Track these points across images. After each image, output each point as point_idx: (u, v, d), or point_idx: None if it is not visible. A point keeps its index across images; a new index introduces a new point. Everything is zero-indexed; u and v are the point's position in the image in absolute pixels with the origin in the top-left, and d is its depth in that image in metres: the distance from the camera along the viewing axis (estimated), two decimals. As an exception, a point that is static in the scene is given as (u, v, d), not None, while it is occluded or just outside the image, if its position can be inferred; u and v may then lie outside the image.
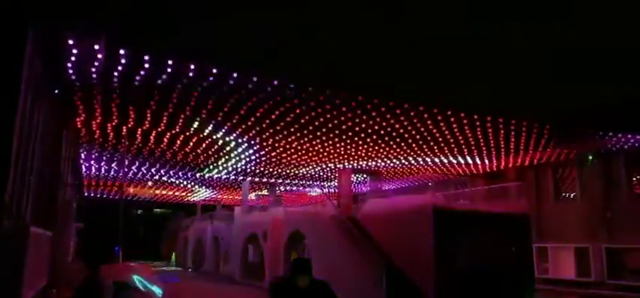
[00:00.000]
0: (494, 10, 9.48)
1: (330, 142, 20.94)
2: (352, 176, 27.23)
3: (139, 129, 18.61)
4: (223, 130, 18.81)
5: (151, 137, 19.80)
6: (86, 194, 38.62)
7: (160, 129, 18.63)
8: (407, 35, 10.69)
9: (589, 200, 23.80)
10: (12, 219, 8.86)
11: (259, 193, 35.06)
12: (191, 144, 21.24)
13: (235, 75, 12.85)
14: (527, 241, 16.85)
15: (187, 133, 19.30)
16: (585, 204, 23.95)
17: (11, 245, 8.44)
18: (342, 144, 21.23)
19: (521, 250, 15.93)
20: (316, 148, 22.13)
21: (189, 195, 40.24)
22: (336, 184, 29.91)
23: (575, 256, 23.76)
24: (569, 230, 24.29)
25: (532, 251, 18.13)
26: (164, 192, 39.14)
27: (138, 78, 12.79)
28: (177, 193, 39.41)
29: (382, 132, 19.13)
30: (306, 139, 20.38)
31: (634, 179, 23.19)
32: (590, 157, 23.53)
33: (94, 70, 11.47)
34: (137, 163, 25.88)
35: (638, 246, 21.19)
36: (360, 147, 22.11)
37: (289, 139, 20.39)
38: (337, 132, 19.05)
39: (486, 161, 25.58)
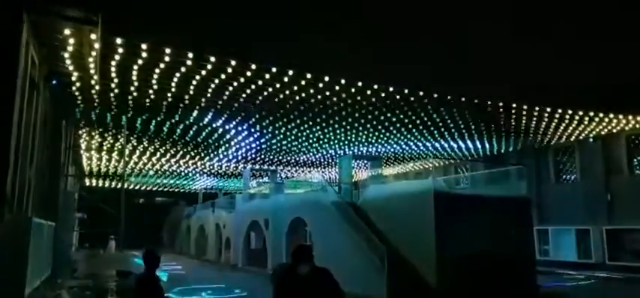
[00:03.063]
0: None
1: (331, 128, 20.92)
2: (353, 162, 27.23)
3: (139, 118, 18.58)
4: (223, 118, 18.77)
5: (151, 126, 19.78)
6: (88, 183, 38.74)
7: (159, 119, 18.60)
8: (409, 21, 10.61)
9: (589, 182, 23.83)
10: (14, 211, 8.88)
11: (260, 180, 35.11)
12: (191, 132, 21.23)
13: (233, 63, 12.78)
14: (528, 224, 16.88)
15: (187, 122, 19.27)
16: (586, 186, 23.98)
17: (14, 237, 8.48)
18: (343, 129, 21.21)
19: (522, 233, 15.96)
20: (317, 134, 22.12)
21: (190, 183, 40.34)
22: (337, 170, 29.94)
23: (576, 238, 23.87)
24: (569, 212, 24.36)
25: (533, 234, 18.17)
26: (165, 181, 39.23)
27: (135, 67, 12.72)
28: (178, 182, 39.50)
29: (382, 117, 19.09)
30: (306, 125, 20.35)
31: (634, 160, 23.18)
32: (591, 138, 23.51)
33: (91, 59, 11.38)
34: (138, 152, 25.89)
35: (638, 228, 21.26)
36: (361, 133, 22.09)
37: (290, 125, 20.36)
38: (337, 118, 19.01)
39: (487, 144, 25.56)
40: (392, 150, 26.56)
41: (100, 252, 27.85)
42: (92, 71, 11.93)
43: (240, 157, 27.96)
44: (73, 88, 13.49)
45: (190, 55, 12.23)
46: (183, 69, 13.07)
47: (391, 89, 15.46)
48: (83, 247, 35.18)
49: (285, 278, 4.40)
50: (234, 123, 19.50)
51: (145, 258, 4.93)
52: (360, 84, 14.88)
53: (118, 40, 11.20)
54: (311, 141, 23.64)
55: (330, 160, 29.95)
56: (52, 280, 13.91)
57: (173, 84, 14.35)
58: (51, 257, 14.01)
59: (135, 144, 23.52)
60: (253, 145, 24.57)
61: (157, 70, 13.10)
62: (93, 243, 33.83)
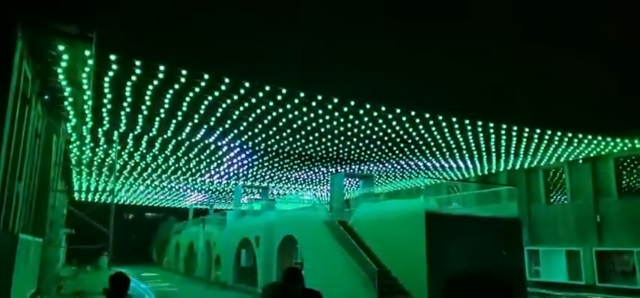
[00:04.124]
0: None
1: (323, 146, 20.96)
2: (345, 180, 27.22)
3: (131, 134, 18.49)
4: (215, 135, 18.75)
5: (142, 141, 19.68)
6: (77, 198, 38.23)
7: (151, 134, 18.53)
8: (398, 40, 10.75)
9: (579, 203, 24.02)
10: (0, 227, 8.74)
11: (252, 197, 34.92)
12: (183, 148, 21.15)
13: (227, 80, 12.83)
14: (519, 245, 16.94)
15: (179, 138, 19.21)
16: (576, 207, 24.16)
17: (-1, 254, 8.34)
18: (335, 147, 21.26)
19: (513, 254, 16.01)
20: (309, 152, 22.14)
21: (181, 199, 39.99)
22: (328, 188, 29.88)
23: (567, 259, 23.96)
24: (560, 233, 24.49)
25: (523, 254, 18.23)
26: (156, 197, 38.87)
27: (129, 83, 12.73)
28: (169, 198, 39.15)
29: (374, 136, 19.19)
30: (299, 143, 20.38)
31: (623, 182, 23.44)
32: (580, 160, 23.77)
33: (84, 75, 11.37)
34: (129, 168, 25.69)
35: (628, 249, 21.42)
36: (353, 151, 22.15)
37: (282, 143, 20.37)
38: (330, 136, 19.07)
39: (478, 164, 25.73)
40: (384, 168, 26.63)
41: (88, 269, 27.37)
42: (85, 87, 11.91)
43: (231, 174, 27.84)
44: (66, 103, 13.43)
45: (184, 71, 12.28)
46: (176, 86, 13.10)
47: (383, 109, 15.59)
48: (71, 263, 34.57)
49: (276, 299, 4.39)
50: (226, 139, 19.48)
51: (112, 281, 4.82)
52: (352, 103, 15.00)
53: (112, 57, 11.22)
54: (303, 158, 23.64)
55: (323, 178, 29.92)
56: (36, 297, 13.66)
57: (166, 101, 14.36)
58: (37, 273, 13.78)
59: (126, 159, 23.36)
60: (245, 162, 24.51)
61: (151, 86, 13.12)
62: (81, 260, 33.26)
